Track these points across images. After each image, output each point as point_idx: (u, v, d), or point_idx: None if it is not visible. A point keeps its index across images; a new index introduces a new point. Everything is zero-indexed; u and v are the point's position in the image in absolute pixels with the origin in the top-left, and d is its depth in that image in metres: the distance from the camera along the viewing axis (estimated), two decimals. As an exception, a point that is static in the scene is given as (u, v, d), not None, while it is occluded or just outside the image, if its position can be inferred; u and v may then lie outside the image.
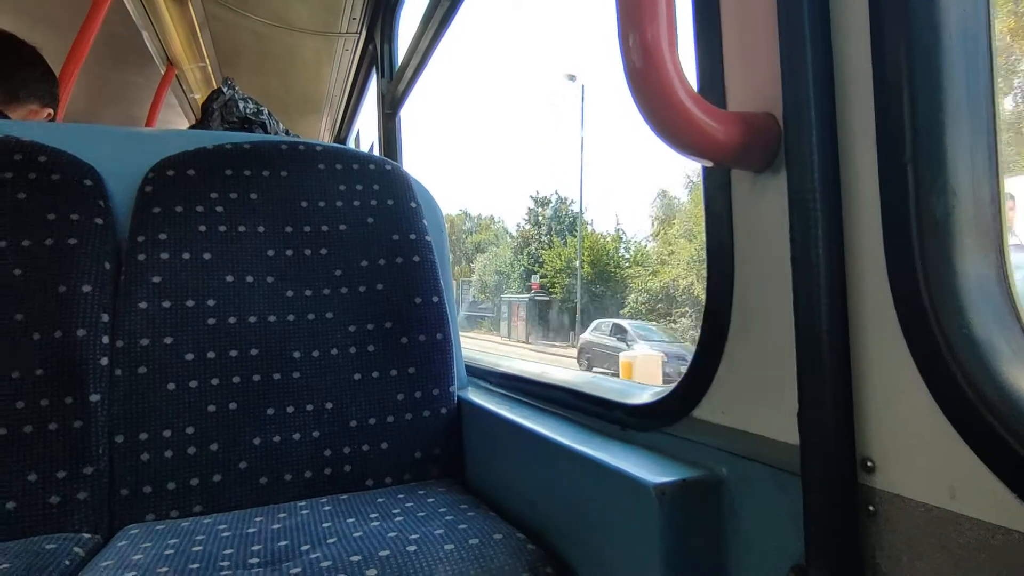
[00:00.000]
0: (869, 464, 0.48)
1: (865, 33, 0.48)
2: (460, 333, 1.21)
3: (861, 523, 0.48)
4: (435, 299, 1.16)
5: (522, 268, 34.65)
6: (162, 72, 3.09)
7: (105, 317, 0.96)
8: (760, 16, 0.56)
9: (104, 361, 0.94)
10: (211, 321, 1.02)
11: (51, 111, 1.58)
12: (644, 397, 0.76)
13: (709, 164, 0.60)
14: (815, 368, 0.49)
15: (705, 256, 0.65)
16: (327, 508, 0.93)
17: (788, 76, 0.52)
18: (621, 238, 31.13)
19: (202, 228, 1.06)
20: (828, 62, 0.51)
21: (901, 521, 0.46)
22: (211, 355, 1.00)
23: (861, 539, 0.48)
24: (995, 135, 0.45)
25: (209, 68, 3.14)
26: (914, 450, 0.45)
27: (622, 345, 16.78)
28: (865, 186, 0.48)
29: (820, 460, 0.49)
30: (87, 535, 0.86)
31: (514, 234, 38.07)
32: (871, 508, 0.48)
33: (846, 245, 0.50)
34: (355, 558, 0.73)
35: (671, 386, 0.71)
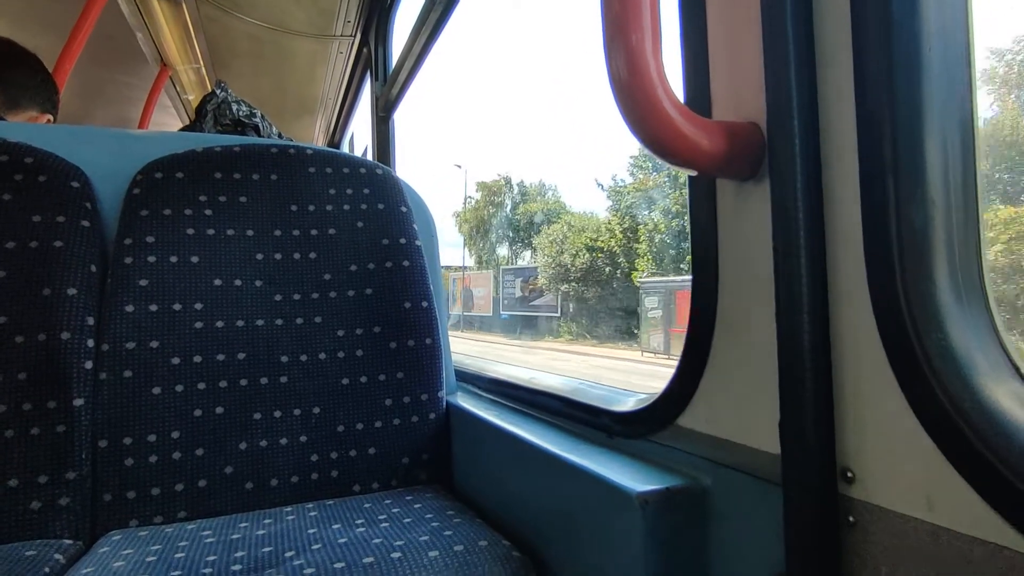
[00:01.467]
0: (849, 475, 0.48)
1: (847, 43, 0.48)
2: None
3: (841, 533, 0.48)
4: (424, 304, 1.15)
5: (670, 229, 20.92)
6: (156, 73, 3.08)
7: (90, 320, 0.95)
8: (745, 27, 0.56)
9: (88, 365, 0.93)
10: (198, 325, 1.01)
11: (51, 117, 1.58)
12: (630, 404, 0.76)
13: (694, 173, 0.60)
14: (796, 378, 0.49)
15: (691, 262, 0.65)
16: (313, 514, 0.92)
17: (772, 86, 0.52)
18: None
19: (190, 231, 1.05)
20: (811, 72, 0.51)
21: (880, 532, 0.46)
22: (197, 359, 0.99)
23: (841, 549, 0.48)
24: (974, 145, 0.46)
25: (203, 70, 3.13)
26: (893, 461, 0.45)
27: None
28: (847, 196, 0.49)
29: (801, 470, 0.49)
30: (68, 541, 0.85)
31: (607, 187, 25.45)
32: (851, 519, 0.48)
33: (828, 256, 0.50)
34: (339, 565, 0.73)
35: (657, 394, 0.71)
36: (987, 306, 0.44)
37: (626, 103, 0.51)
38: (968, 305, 0.44)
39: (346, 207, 1.17)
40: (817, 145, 0.51)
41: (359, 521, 0.88)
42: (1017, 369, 0.43)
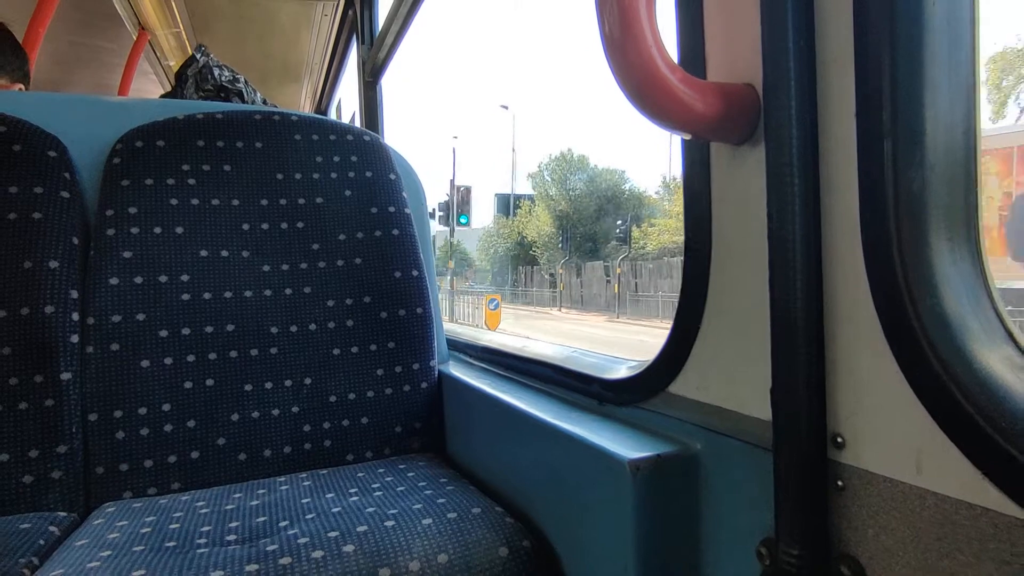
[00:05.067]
0: (839, 440, 0.48)
1: (848, 1, 0.47)
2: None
3: (830, 498, 0.49)
4: (415, 273, 1.14)
5: None
6: (134, 38, 2.98)
7: (74, 293, 0.93)
8: None
9: (74, 338, 0.92)
10: (185, 297, 1.00)
11: (22, 87, 1.54)
12: (622, 372, 0.76)
13: (687, 137, 0.59)
14: (788, 344, 0.49)
15: (683, 230, 0.64)
16: (307, 484, 0.93)
17: (768, 46, 0.50)
18: None
19: (174, 201, 1.03)
20: (809, 32, 0.49)
21: (868, 496, 0.46)
22: (186, 331, 0.98)
23: (829, 513, 0.49)
24: (975, 109, 0.44)
25: (184, 34, 3.03)
26: (883, 426, 0.45)
27: None
28: (843, 160, 0.48)
29: (791, 436, 0.49)
30: (62, 514, 0.85)
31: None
32: (840, 483, 0.48)
33: (823, 220, 0.49)
34: (333, 534, 0.73)
35: (648, 361, 0.71)
36: (982, 271, 0.44)
37: (618, 63, 0.49)
38: (963, 270, 0.43)
39: (333, 175, 1.15)
40: (814, 107, 0.49)
41: (353, 490, 0.88)
42: (1010, 334, 0.42)
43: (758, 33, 0.51)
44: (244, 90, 1.76)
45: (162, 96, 1.91)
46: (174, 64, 3.28)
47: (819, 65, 0.49)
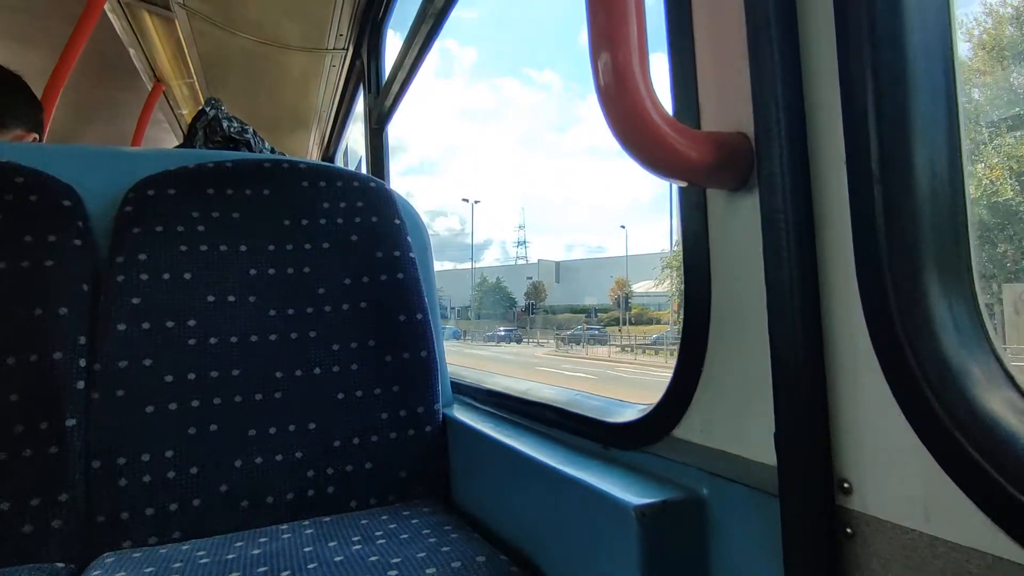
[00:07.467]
0: (846, 485, 0.48)
1: (832, 54, 0.49)
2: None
3: (839, 545, 0.48)
4: (419, 316, 1.15)
5: None
6: (149, 89, 3.09)
7: (82, 339, 0.94)
8: (732, 38, 0.56)
9: (80, 384, 0.92)
10: (192, 342, 1.00)
11: (36, 136, 1.59)
12: (626, 416, 0.75)
13: (683, 184, 0.60)
14: (790, 389, 0.49)
15: (683, 275, 0.65)
16: (309, 532, 0.91)
17: (758, 96, 0.52)
18: None
19: (183, 248, 1.05)
20: (797, 82, 0.51)
21: (878, 543, 0.45)
22: (191, 376, 0.99)
23: (839, 561, 0.48)
24: (961, 154, 0.46)
25: (197, 84, 3.14)
26: (890, 472, 0.44)
27: None
28: (836, 205, 0.49)
29: (798, 481, 0.48)
30: (61, 565, 0.84)
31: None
32: (848, 530, 0.47)
33: (819, 265, 0.50)
34: None
35: (653, 405, 0.71)
36: (978, 314, 0.44)
37: (613, 115, 0.51)
38: (959, 313, 0.44)
39: (339, 220, 1.17)
40: (805, 155, 0.51)
41: (356, 538, 0.87)
42: (1011, 377, 0.42)
43: (748, 83, 0.53)
44: (252, 140, 1.80)
45: (175, 147, 1.96)
46: (187, 113, 3.38)
47: (808, 114, 0.51)
